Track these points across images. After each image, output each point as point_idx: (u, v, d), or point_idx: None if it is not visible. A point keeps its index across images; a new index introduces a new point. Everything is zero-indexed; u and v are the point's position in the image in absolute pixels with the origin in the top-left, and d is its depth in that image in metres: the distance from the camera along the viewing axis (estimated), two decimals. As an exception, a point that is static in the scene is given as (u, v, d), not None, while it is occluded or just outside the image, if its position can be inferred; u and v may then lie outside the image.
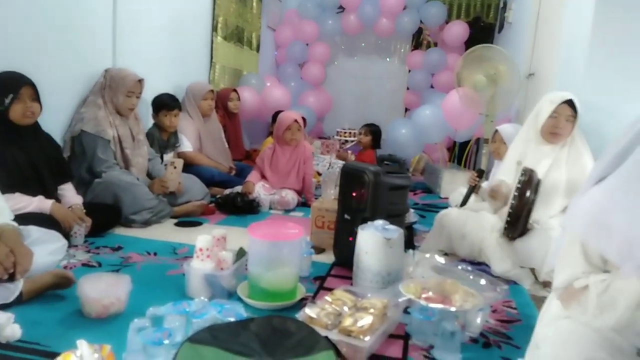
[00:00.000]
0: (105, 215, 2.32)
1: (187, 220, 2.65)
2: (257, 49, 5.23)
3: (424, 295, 1.46)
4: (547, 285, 1.93)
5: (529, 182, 1.91)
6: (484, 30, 5.18)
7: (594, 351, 1.05)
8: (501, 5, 4.97)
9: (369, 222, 1.80)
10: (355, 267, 1.75)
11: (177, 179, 2.73)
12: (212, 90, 3.56)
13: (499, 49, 3.51)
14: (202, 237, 1.60)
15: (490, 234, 2.18)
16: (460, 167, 4.37)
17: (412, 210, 2.78)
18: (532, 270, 2.03)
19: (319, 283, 1.84)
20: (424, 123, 4.13)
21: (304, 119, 3.94)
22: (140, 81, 2.66)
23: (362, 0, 5.20)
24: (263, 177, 3.23)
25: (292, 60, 5.66)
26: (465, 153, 4.33)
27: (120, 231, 2.39)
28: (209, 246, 1.59)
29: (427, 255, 1.97)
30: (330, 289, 1.61)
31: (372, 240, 1.68)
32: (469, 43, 4.87)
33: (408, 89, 5.60)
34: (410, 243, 2.43)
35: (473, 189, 2.65)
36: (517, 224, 1.96)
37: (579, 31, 2.49)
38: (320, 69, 5.66)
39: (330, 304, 1.44)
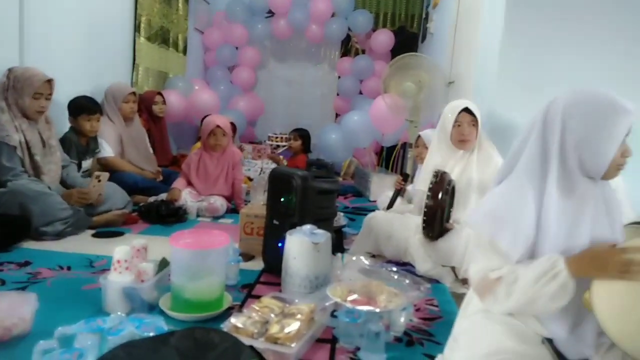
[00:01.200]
0: (11, 228, 2.12)
1: (107, 231, 2.50)
2: (184, 52, 5.07)
3: (350, 298, 1.48)
4: (466, 282, 2.04)
5: (440, 183, 2.00)
6: (408, 40, 5.41)
7: (503, 341, 1.13)
8: (424, 16, 5.22)
9: (298, 227, 1.80)
10: (284, 272, 1.74)
11: (99, 192, 2.57)
12: (133, 93, 3.39)
13: (423, 57, 3.68)
14: (119, 249, 1.50)
15: (415, 235, 2.26)
16: (388, 171, 4.52)
17: (341, 214, 2.83)
18: (453, 268, 2.14)
19: (247, 291, 1.81)
20: (353, 128, 4.22)
21: (233, 124, 3.88)
22: (50, 81, 2.46)
23: (291, 5, 5.23)
24: (190, 183, 3.13)
25: (221, 63, 5.55)
26: (392, 157, 4.49)
27: (30, 245, 2.19)
28: (128, 257, 1.50)
29: (355, 258, 2.01)
30: (258, 297, 1.59)
31: (300, 245, 1.68)
32: (395, 51, 5.08)
33: (338, 94, 5.71)
34: (339, 246, 2.47)
35: (399, 192, 2.75)
36: (433, 224, 2.05)
37: (491, 43, 2.68)
38: (251, 73, 5.61)
39: (257, 311, 1.42)
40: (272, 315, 1.41)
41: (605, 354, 1.11)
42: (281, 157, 4.65)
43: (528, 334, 1.17)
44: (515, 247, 1.12)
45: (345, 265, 1.93)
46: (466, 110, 2.19)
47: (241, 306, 1.64)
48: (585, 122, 1.09)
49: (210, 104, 4.56)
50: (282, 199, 1.94)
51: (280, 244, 1.82)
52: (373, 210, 2.69)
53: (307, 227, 1.75)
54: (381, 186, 3.88)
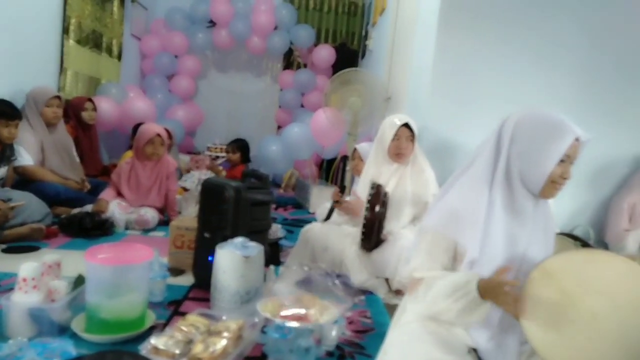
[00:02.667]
0: None
1: (20, 246, 2.28)
2: (119, 57, 4.85)
3: (281, 313, 1.44)
4: (399, 293, 2.07)
5: (377, 196, 2.03)
6: (349, 55, 5.52)
7: (431, 352, 1.14)
8: (363, 33, 5.36)
9: (229, 240, 1.73)
10: (213, 287, 1.67)
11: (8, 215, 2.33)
12: (58, 97, 3.17)
13: (363, 73, 3.76)
14: (26, 266, 1.37)
15: (350, 247, 2.27)
16: (328, 183, 4.54)
17: (279, 226, 2.79)
18: (387, 280, 2.16)
19: (174, 308, 1.71)
20: (294, 140, 4.21)
21: (169, 133, 3.74)
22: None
23: (232, 16, 5.17)
24: (120, 194, 2.95)
25: (159, 71, 5.36)
26: (332, 170, 4.52)
27: None
28: (36, 275, 1.37)
29: (290, 271, 1.98)
30: (186, 314, 1.50)
31: (230, 258, 1.62)
32: (336, 66, 5.16)
33: (280, 107, 5.69)
34: (275, 259, 2.42)
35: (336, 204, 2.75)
36: (371, 235, 2.07)
37: (424, 60, 2.78)
38: (191, 82, 5.46)
39: (181, 330, 1.34)
40: (197, 333, 1.34)
41: (527, 361, 1.15)
42: (220, 167, 4.54)
43: (455, 344, 1.19)
44: (476, 247, 1.15)
45: (280, 278, 1.89)
46: (405, 125, 2.24)
47: (165, 325, 1.54)
48: (530, 135, 1.15)
49: (145, 112, 4.37)
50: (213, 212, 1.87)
51: (211, 258, 1.74)
52: (315, 222, 2.68)
53: (239, 240, 1.69)
54: (321, 198, 3.88)
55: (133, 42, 5.24)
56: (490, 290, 1.08)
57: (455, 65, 2.59)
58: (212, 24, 5.35)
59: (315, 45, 5.47)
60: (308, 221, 3.31)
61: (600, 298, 1.00)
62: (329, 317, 1.46)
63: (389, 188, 2.28)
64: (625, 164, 2.69)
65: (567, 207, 2.66)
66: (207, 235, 1.90)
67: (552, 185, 1.15)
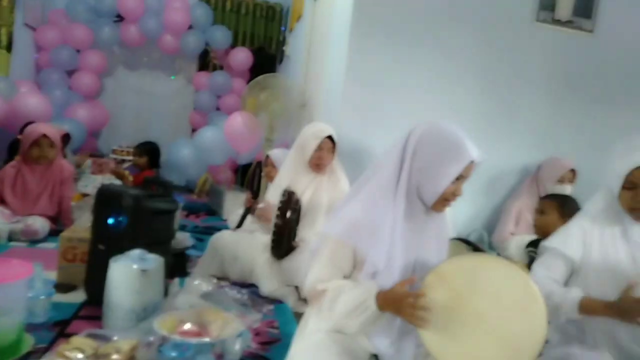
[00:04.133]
0: None
1: None
2: (8, 48, 4.36)
3: (180, 329, 1.35)
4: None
5: (288, 202, 2.02)
6: (267, 60, 5.48)
7: (336, 360, 1.15)
8: (281, 38, 5.35)
9: (126, 253, 1.60)
10: (105, 305, 1.53)
11: None
12: None
13: (281, 78, 3.75)
14: None
15: (261, 255, 2.23)
16: (244, 189, 4.45)
17: (187, 234, 2.66)
18: (297, 288, 2.14)
19: (59, 329, 1.54)
20: (207, 144, 4.07)
21: (67, 134, 3.43)
22: None
23: (143, 12, 4.90)
24: (3, 201, 2.63)
25: (58, 66, 4.91)
26: (247, 175, 4.43)
27: None
28: None
29: (196, 282, 1.89)
30: (72, 335, 1.36)
31: (125, 272, 1.50)
32: (254, 70, 5.10)
33: (195, 109, 5.49)
34: (181, 269, 2.31)
35: (248, 210, 2.70)
36: (282, 243, 2.05)
37: (337, 69, 2.83)
38: (95, 79, 5.07)
39: (63, 356, 1.20)
40: (83, 358, 1.21)
41: (422, 363, 1.20)
42: (127, 172, 4.25)
43: (358, 352, 1.22)
44: (379, 257, 1.16)
45: (185, 290, 1.79)
46: (329, 137, 2.25)
47: (46, 349, 1.38)
48: (429, 153, 1.18)
49: (39, 109, 3.97)
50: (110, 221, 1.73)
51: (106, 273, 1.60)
52: (227, 229, 2.59)
53: (136, 252, 1.58)
54: (236, 204, 3.77)
55: (26, 33, 4.75)
56: (391, 302, 1.12)
57: (365, 75, 2.67)
58: (120, 18, 5.03)
59: (232, 47, 5.36)
60: (221, 228, 3.21)
61: (486, 300, 1.06)
62: (232, 331, 1.40)
63: (305, 197, 2.28)
64: (515, 173, 2.94)
65: (465, 213, 2.85)
66: (101, 247, 1.75)
67: (442, 202, 1.20)
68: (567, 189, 2.53)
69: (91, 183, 3.92)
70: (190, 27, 5.07)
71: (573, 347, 1.34)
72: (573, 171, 2.65)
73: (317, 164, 2.25)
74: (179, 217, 3.02)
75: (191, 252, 2.62)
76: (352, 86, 2.68)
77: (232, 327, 1.42)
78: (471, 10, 2.75)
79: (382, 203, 1.19)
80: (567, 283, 1.37)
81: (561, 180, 2.61)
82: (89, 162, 4.36)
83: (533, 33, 2.82)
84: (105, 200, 1.78)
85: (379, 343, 1.23)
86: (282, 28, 5.39)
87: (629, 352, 1.31)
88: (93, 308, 1.71)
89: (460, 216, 2.79)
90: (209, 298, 1.81)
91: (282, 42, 5.27)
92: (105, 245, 1.74)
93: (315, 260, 1.27)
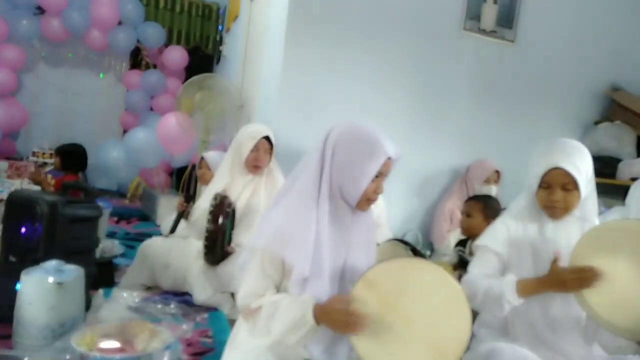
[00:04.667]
0: None
1: None
2: None
3: (101, 345, 1.26)
4: (244, 307, 2.01)
5: (220, 207, 1.96)
6: (204, 60, 5.33)
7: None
8: (218, 38, 5.23)
9: (41, 264, 1.48)
10: (16, 322, 1.40)
11: None
12: None
13: (218, 79, 3.65)
14: None
15: (195, 262, 2.15)
16: (179, 193, 4.29)
17: (116, 242, 2.51)
18: (232, 294, 2.09)
19: (-41, 352, 1.39)
20: (138, 146, 3.88)
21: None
22: None
23: (67, 5, 4.58)
24: None
25: (-33, 59, 4.48)
26: (183, 178, 4.28)
27: None
28: None
29: (123, 293, 1.79)
30: (-25, 358, 1.23)
31: (38, 286, 1.38)
32: (190, 70, 4.93)
33: (126, 109, 5.22)
34: (108, 280, 2.17)
35: (182, 215, 2.60)
36: (214, 248, 1.98)
37: (273, 70, 2.80)
38: (11, 75, 4.66)
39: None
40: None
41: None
42: (49, 176, 3.94)
43: (292, 358, 1.19)
44: (305, 265, 1.15)
45: (110, 302, 1.69)
46: (266, 137, 2.21)
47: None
48: (348, 152, 1.18)
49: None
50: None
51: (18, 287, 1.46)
52: (159, 236, 2.47)
53: (52, 263, 1.46)
54: (170, 209, 3.61)
55: None
56: (326, 317, 1.12)
57: (301, 77, 2.67)
58: (41, 11, 4.67)
59: (166, 45, 5.15)
60: (154, 234, 3.07)
61: (414, 303, 1.08)
62: (159, 343, 1.34)
63: (241, 200, 2.23)
64: (446, 175, 3.06)
65: (400, 214, 2.92)
66: (12, 259, 1.60)
67: (366, 201, 1.22)
68: (492, 189, 2.67)
69: (7, 188, 3.60)
70: (120, 23, 4.82)
71: (498, 341, 1.41)
72: (497, 172, 2.80)
73: (254, 165, 2.21)
74: (106, 223, 2.85)
75: (120, 260, 2.49)
76: (289, 87, 2.67)
77: (160, 339, 1.35)
78: (403, 16, 2.82)
79: (306, 208, 1.18)
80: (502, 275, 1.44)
81: (487, 181, 2.75)
82: (4, 165, 4.01)
83: (460, 41, 2.96)
84: (17, 208, 1.63)
85: (313, 349, 1.22)
86: (219, 28, 5.27)
87: (546, 340, 1.39)
88: (2, 326, 1.56)
89: (395, 218, 2.86)
90: (137, 310, 1.72)
91: (219, 42, 5.15)
92: (17, 257, 1.60)
93: (245, 273, 1.24)
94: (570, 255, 1.31)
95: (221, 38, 5.05)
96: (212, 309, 2.00)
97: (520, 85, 3.14)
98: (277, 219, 1.19)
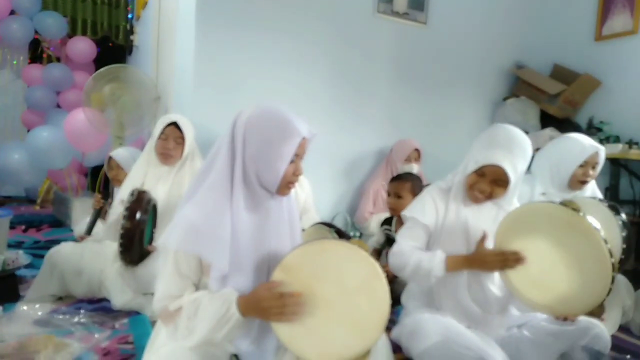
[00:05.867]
0: None
1: None
2: None
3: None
4: (168, 307, 1.91)
5: (138, 203, 1.84)
6: (115, 51, 4.98)
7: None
8: (128, 27, 4.91)
9: None
10: None
11: None
12: None
13: (130, 70, 3.41)
14: None
15: (112, 265, 2.01)
16: (95, 194, 4.00)
17: (20, 252, 2.27)
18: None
19: None
20: (43, 146, 3.55)
21: None
22: None
23: (-55, -9, 4.06)
24: None
25: None
26: (99, 178, 3.99)
27: None
28: None
29: (25, 307, 1.62)
30: None
31: None
32: (100, 62, 4.58)
33: (28, 107, 4.75)
34: (12, 294, 1.96)
35: (99, 213, 2.42)
36: (132, 247, 1.86)
37: (186, 59, 2.67)
38: None
39: None
40: None
41: (282, 356, 1.18)
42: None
43: (217, 354, 1.15)
44: (223, 261, 1.09)
45: (8, 319, 1.52)
46: (175, 125, 2.10)
47: None
48: (260, 137, 1.12)
49: None
50: None
51: None
52: (75, 242, 2.27)
53: None
54: (85, 212, 3.37)
55: None
56: (254, 307, 1.08)
57: (216, 63, 2.57)
58: None
59: (70, 37, 4.74)
60: (69, 240, 2.83)
61: (333, 285, 1.07)
62: (66, 357, 1.22)
63: (161, 194, 2.11)
64: (372, 156, 3.11)
65: (328, 198, 2.93)
66: None
67: (285, 184, 1.18)
68: (414, 167, 2.74)
69: None
70: (12, 13, 4.36)
71: (424, 312, 1.46)
72: (417, 150, 2.89)
73: (162, 152, 2.11)
74: (5, 233, 2.58)
75: (26, 272, 2.27)
76: (203, 75, 2.56)
77: (67, 352, 1.24)
78: (317, -1, 2.80)
79: (219, 201, 1.12)
80: (427, 246, 1.50)
81: (408, 159, 2.82)
82: None
83: (375, 23, 2.99)
84: None
85: (240, 343, 1.18)
86: (129, 16, 4.94)
87: (469, 311, 1.46)
88: None
89: (323, 201, 2.86)
90: (45, 323, 1.57)
91: (129, 32, 4.83)
92: None
93: (160, 275, 1.16)
94: (495, 237, 1.38)
95: (131, 27, 4.74)
96: (133, 313, 1.88)
97: (435, 65, 3.26)
98: (190, 215, 1.11)
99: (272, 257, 1.19)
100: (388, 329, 1.52)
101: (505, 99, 3.47)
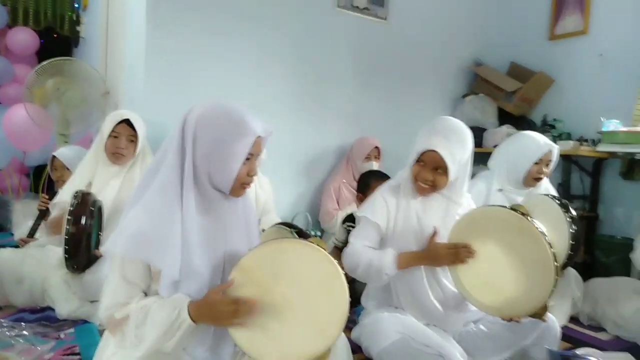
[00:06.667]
0: None
1: None
2: None
3: None
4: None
5: (83, 206, 1.73)
6: (60, 42, 4.70)
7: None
8: (74, 17, 4.64)
9: None
10: None
11: None
12: None
13: (76, 63, 3.22)
14: None
15: (56, 272, 1.88)
16: (38, 195, 3.75)
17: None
18: (104, 302, 1.85)
19: None
20: (-22, 145, 3.28)
21: None
22: None
23: None
24: None
25: None
26: (42, 178, 3.74)
27: None
28: None
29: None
30: None
31: None
32: (44, 54, 4.29)
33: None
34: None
35: (43, 215, 2.26)
36: (78, 253, 1.74)
37: (137, 52, 2.52)
38: None
39: None
40: None
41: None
42: None
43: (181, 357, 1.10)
44: (174, 268, 1.04)
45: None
46: (127, 122, 2.01)
47: None
48: (212, 136, 1.06)
49: None
50: None
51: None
52: (16, 247, 2.14)
53: None
54: (27, 215, 3.14)
55: None
56: (206, 312, 1.04)
57: (169, 57, 2.45)
58: None
59: (10, 27, 4.43)
60: (8, 247, 2.63)
61: (291, 285, 1.04)
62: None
63: (109, 195, 1.99)
64: (332, 154, 3.07)
65: (289, 197, 2.87)
66: None
67: (240, 185, 1.13)
68: (373, 165, 2.73)
69: None
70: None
71: (383, 312, 1.46)
72: (377, 148, 2.86)
73: (114, 152, 2.01)
74: None
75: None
76: (156, 68, 2.43)
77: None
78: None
79: (168, 204, 1.05)
80: (381, 244, 1.51)
81: (368, 158, 2.80)
82: None
83: (335, 19, 2.95)
84: None
85: (195, 350, 1.13)
86: (75, 5, 4.67)
87: (428, 308, 1.47)
88: None
89: (284, 201, 2.80)
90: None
91: (76, 22, 4.57)
92: None
93: (106, 282, 1.10)
94: (449, 239, 1.41)
95: (78, 17, 4.49)
96: (79, 322, 1.76)
97: (396, 62, 3.25)
98: (137, 219, 1.05)
99: (228, 261, 1.14)
100: (349, 329, 1.51)
101: (464, 96, 3.53)
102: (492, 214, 1.38)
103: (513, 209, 1.32)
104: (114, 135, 2.00)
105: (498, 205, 1.52)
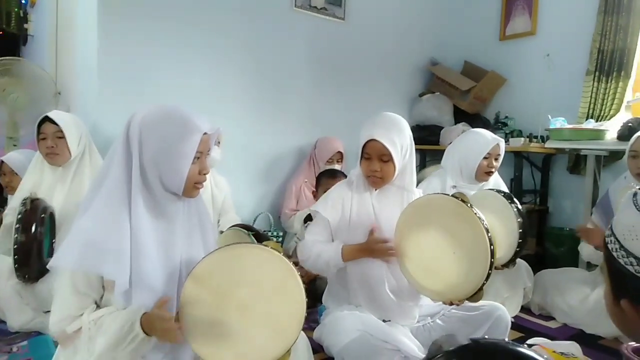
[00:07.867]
0: None
1: None
2: None
3: None
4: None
5: (32, 212, 1.67)
6: (6, 41, 4.46)
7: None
8: (22, 14, 4.43)
9: None
10: None
11: None
12: None
13: (24, 63, 3.07)
14: None
15: (7, 281, 1.80)
16: (-13, 202, 3.57)
17: None
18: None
19: None
20: None
21: None
22: None
23: None
24: None
25: None
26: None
27: None
28: None
29: None
30: None
31: None
32: (-11, 53, 4.08)
33: None
34: None
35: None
36: (29, 262, 1.68)
37: (89, 51, 2.44)
38: None
39: None
40: None
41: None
42: None
43: None
44: (124, 277, 1.02)
45: None
46: (49, 120, 1.92)
47: None
48: (157, 137, 1.06)
49: None
50: None
51: None
52: None
53: None
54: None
55: None
56: (152, 327, 1.02)
57: (121, 58, 2.39)
58: None
59: (-49, 24, 4.18)
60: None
61: (247, 289, 1.04)
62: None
63: (58, 198, 1.92)
64: (293, 154, 3.07)
65: (250, 199, 2.86)
66: None
67: (194, 186, 1.12)
68: (336, 167, 2.75)
69: None
70: None
71: (343, 310, 1.49)
72: (340, 153, 2.86)
73: (47, 153, 1.93)
74: None
75: None
76: (108, 68, 2.36)
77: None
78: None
79: (116, 212, 1.04)
80: (334, 237, 1.57)
81: (331, 161, 2.82)
82: None
83: (293, 19, 2.95)
84: None
85: (152, 357, 1.12)
86: (23, 1, 4.45)
87: (386, 303, 1.52)
88: None
89: (245, 202, 2.78)
90: None
91: (23, 19, 4.36)
92: None
93: (56, 295, 1.08)
94: (396, 227, 1.46)
95: (25, 14, 4.29)
96: (33, 334, 1.70)
97: (354, 62, 3.29)
98: (84, 231, 1.03)
99: (184, 266, 1.13)
100: (311, 329, 1.54)
101: (421, 95, 3.61)
102: (434, 201, 1.42)
103: (454, 196, 1.36)
104: (42, 137, 1.93)
105: (440, 192, 1.57)
